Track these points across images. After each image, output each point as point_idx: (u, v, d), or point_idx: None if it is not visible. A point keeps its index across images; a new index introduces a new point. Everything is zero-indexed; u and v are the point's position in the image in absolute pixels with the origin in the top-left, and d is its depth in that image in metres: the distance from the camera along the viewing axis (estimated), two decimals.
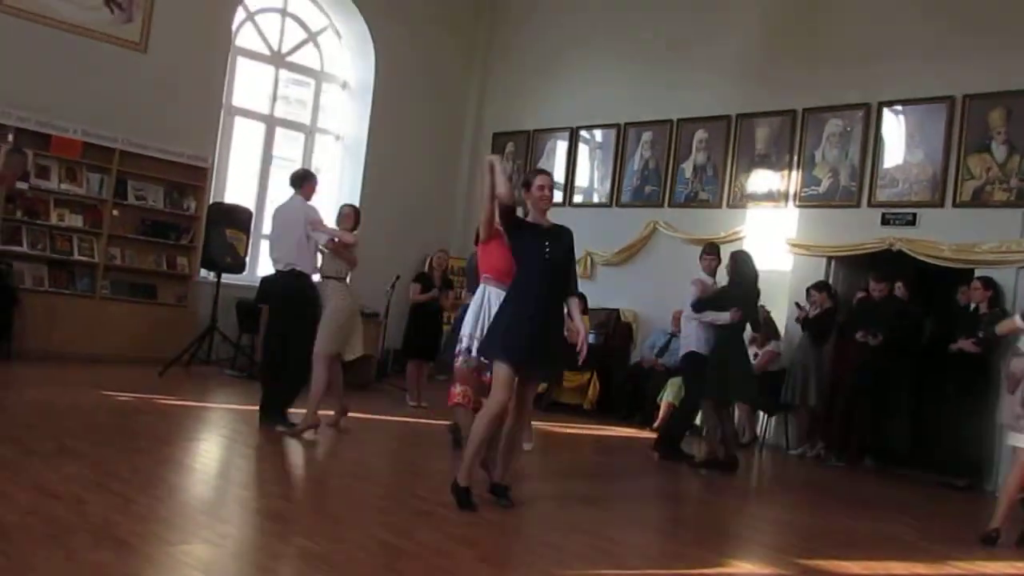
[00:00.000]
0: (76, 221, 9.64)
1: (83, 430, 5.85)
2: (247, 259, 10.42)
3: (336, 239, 6.77)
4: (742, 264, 7.48)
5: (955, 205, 8.45)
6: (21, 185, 9.21)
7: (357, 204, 11.97)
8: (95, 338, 9.38)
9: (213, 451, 5.82)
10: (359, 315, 7.00)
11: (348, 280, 6.95)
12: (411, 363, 9.09)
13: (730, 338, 7.35)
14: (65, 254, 9.55)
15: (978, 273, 8.07)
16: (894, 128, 9.03)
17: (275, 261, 6.83)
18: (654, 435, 8.18)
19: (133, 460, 5.13)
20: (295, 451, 6.18)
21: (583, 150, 11.72)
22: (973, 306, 7.96)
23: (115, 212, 9.84)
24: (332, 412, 6.91)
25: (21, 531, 3.52)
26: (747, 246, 9.74)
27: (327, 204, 12.26)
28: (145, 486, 4.58)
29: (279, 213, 6.96)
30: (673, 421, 8.08)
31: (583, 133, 11.68)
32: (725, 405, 7.49)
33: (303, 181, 6.94)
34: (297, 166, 12.06)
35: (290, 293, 6.65)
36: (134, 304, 9.89)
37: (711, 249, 7.79)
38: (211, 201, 10.44)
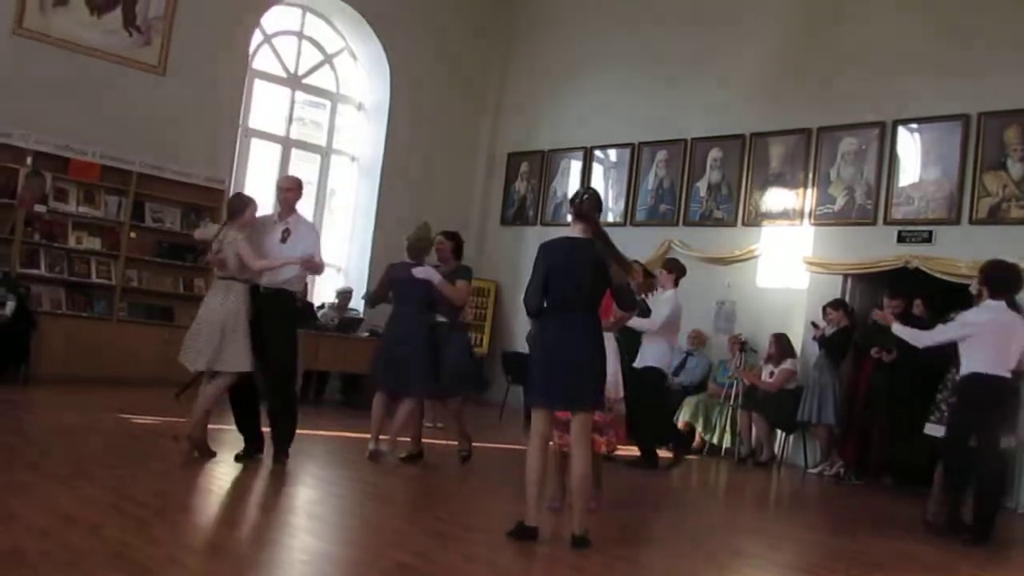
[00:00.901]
0: (94, 244, 9.73)
1: (100, 453, 5.88)
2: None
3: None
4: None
5: (971, 222, 8.40)
6: (39, 208, 9.33)
7: (372, 226, 12.11)
8: (113, 361, 9.43)
9: (229, 473, 5.82)
10: (220, 323, 5.85)
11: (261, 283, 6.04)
12: None
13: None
14: (83, 277, 9.63)
15: None
16: (909, 146, 9.01)
17: None
18: (671, 455, 8.15)
19: (150, 483, 5.15)
20: (309, 473, 6.18)
21: (597, 169, 11.74)
22: None
23: (133, 235, 9.93)
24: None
25: (38, 555, 3.53)
26: (762, 264, 9.76)
27: (341, 225, 12.38)
28: (162, 509, 4.59)
29: None
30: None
31: (597, 153, 11.70)
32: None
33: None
34: (313, 188, 12.19)
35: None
36: (151, 326, 9.94)
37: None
38: None
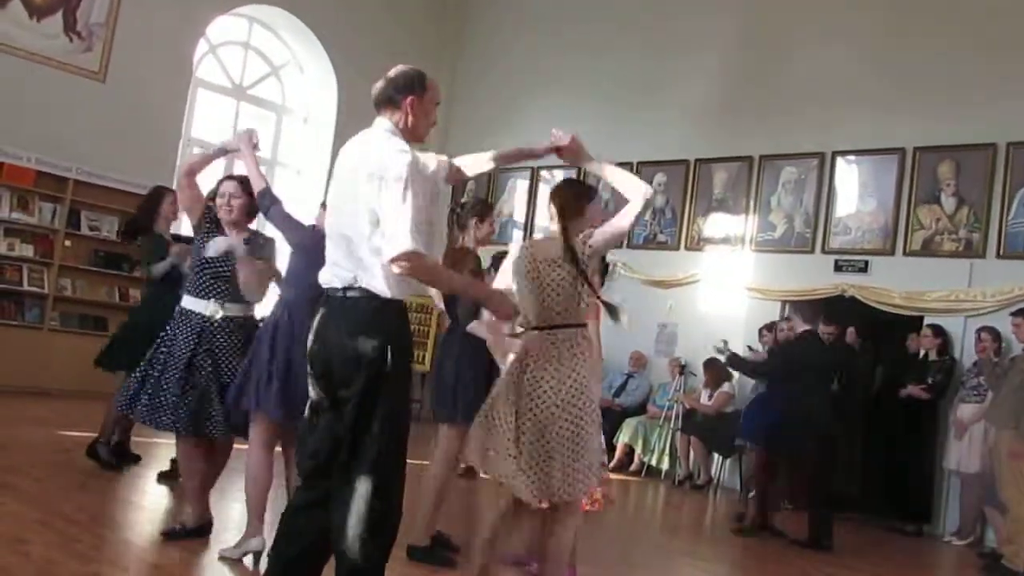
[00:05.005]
0: (26, 251, 9.46)
1: (27, 466, 5.69)
2: None
3: None
4: None
5: (906, 254, 8.64)
6: None
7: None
8: (43, 371, 9.14)
9: (161, 488, 5.68)
10: None
11: None
12: None
13: None
14: (14, 284, 9.35)
15: (928, 321, 8.23)
16: (847, 177, 9.23)
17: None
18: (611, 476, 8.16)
19: (78, 498, 5.00)
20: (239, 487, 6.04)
21: (543, 190, 11.80)
22: (923, 353, 8.11)
23: (67, 242, 9.68)
24: None
25: None
26: (703, 289, 9.89)
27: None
28: (90, 524, 4.47)
29: None
30: None
31: (543, 173, 11.76)
32: None
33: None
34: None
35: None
36: (84, 336, 9.68)
37: None
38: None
